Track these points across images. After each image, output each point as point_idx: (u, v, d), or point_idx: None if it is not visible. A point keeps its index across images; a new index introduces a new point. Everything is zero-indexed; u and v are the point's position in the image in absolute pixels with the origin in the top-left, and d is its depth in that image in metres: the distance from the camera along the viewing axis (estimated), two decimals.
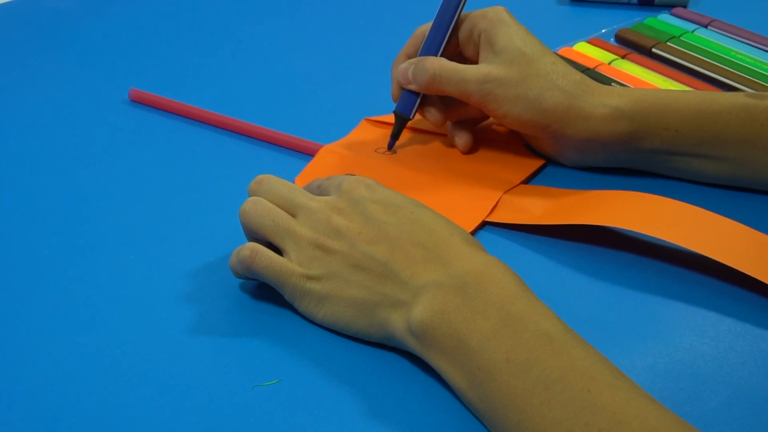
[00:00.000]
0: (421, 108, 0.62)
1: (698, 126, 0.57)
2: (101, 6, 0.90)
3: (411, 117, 0.62)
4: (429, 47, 0.62)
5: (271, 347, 0.48)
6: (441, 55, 0.61)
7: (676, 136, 0.57)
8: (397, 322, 0.46)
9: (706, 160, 0.58)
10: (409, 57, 0.63)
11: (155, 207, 0.59)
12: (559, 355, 0.41)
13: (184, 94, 0.72)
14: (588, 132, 0.57)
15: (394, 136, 0.63)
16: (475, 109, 0.61)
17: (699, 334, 0.49)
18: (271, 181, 0.52)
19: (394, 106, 0.63)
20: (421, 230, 0.48)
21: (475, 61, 0.61)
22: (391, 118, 0.65)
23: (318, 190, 0.54)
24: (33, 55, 0.81)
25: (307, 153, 0.64)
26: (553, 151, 0.61)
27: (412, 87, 0.61)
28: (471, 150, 0.63)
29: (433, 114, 0.62)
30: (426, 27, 0.62)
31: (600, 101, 0.57)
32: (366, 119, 0.68)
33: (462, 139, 0.63)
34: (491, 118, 0.63)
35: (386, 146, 0.63)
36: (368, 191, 0.50)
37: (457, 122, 0.63)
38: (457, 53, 0.63)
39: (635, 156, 0.59)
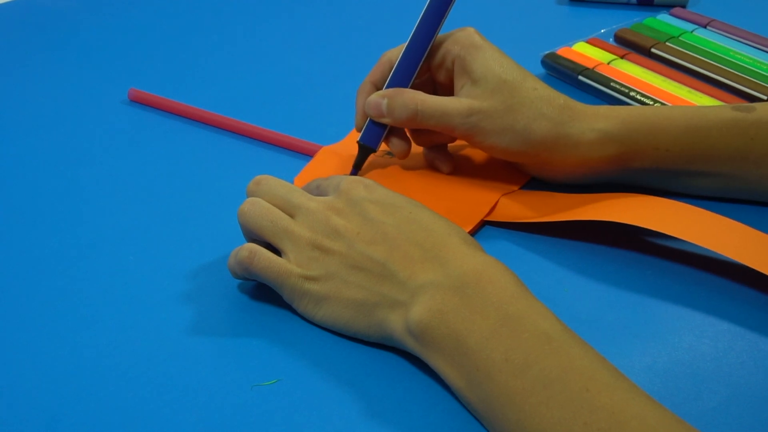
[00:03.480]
0: (386, 138, 0.60)
1: (688, 144, 0.56)
2: (101, 6, 0.90)
3: (376, 149, 0.60)
4: (401, 78, 0.58)
5: (270, 347, 0.48)
6: (412, 85, 0.59)
7: (666, 155, 0.56)
8: (395, 323, 0.46)
9: (697, 177, 0.57)
10: (376, 85, 0.60)
11: (155, 207, 0.59)
12: (558, 354, 0.41)
13: (184, 94, 0.72)
14: (577, 158, 0.56)
15: (357, 167, 0.60)
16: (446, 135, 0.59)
17: (698, 334, 0.49)
18: (269, 181, 0.52)
19: None
20: (420, 230, 0.48)
21: (448, 86, 0.59)
22: None
23: (317, 190, 0.54)
24: (33, 55, 0.81)
25: (306, 154, 0.64)
26: (540, 174, 0.60)
27: (386, 121, 0.58)
28: (456, 169, 0.61)
29: (397, 145, 0.59)
30: (393, 53, 0.59)
31: (587, 126, 0.55)
32: None
33: (446, 164, 0.60)
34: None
35: (386, 148, 0.63)
36: (366, 191, 0.50)
37: (432, 148, 0.61)
38: (427, 78, 0.61)
39: (625, 175, 0.58)
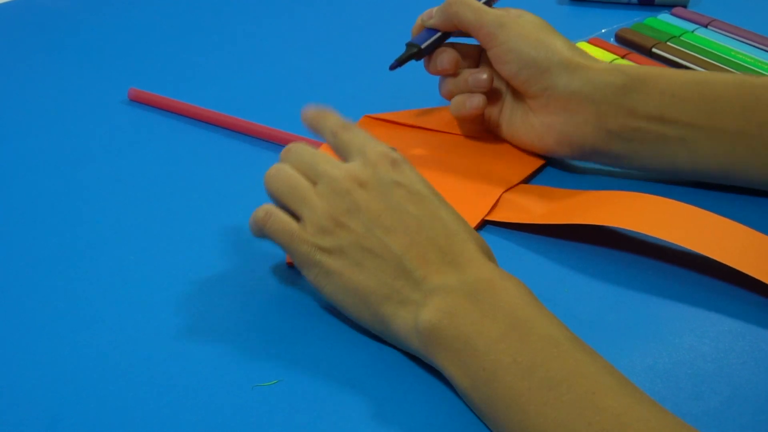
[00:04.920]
0: (434, 53, 0.63)
1: (695, 93, 0.56)
2: (101, 6, 0.90)
3: (421, 46, 0.62)
4: None
5: (271, 348, 0.48)
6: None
7: (672, 100, 0.56)
8: (403, 319, 0.46)
9: (701, 135, 0.56)
10: None
11: (155, 207, 0.59)
12: (565, 358, 0.41)
13: (184, 93, 0.71)
14: (582, 83, 0.57)
15: (400, 62, 0.63)
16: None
17: (699, 335, 0.49)
18: (298, 148, 0.51)
19: (392, 105, 0.63)
20: (441, 230, 0.47)
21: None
22: (391, 116, 0.65)
23: (334, 140, 0.52)
24: (32, 55, 0.81)
25: None
26: (540, 112, 0.60)
27: (432, 22, 0.62)
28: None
29: (444, 60, 0.62)
30: None
31: (600, 61, 0.59)
32: (366, 116, 0.68)
33: (474, 100, 0.62)
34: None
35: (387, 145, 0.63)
36: (395, 171, 0.48)
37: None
38: None
39: (627, 126, 0.57)
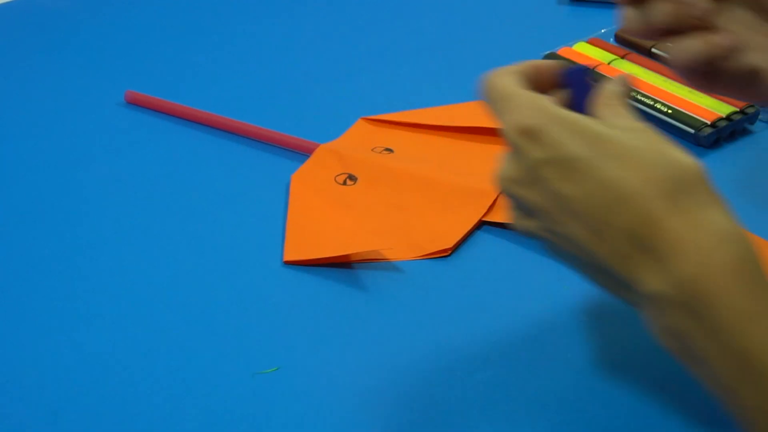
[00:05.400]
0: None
1: None
2: (100, 6, 0.90)
3: None
4: None
5: (271, 335, 0.48)
6: None
7: None
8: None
9: None
10: None
11: (153, 208, 0.60)
12: None
13: (181, 95, 0.71)
14: None
15: None
16: None
17: None
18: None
19: (388, 106, 0.63)
20: (615, 204, 0.35)
21: None
22: (387, 116, 0.65)
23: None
24: (29, 57, 0.81)
25: (304, 152, 0.64)
26: None
27: None
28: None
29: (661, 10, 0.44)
30: None
31: None
32: (362, 118, 0.68)
33: (721, 36, 0.44)
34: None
35: (383, 145, 0.63)
36: (534, 144, 0.37)
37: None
38: None
39: None
